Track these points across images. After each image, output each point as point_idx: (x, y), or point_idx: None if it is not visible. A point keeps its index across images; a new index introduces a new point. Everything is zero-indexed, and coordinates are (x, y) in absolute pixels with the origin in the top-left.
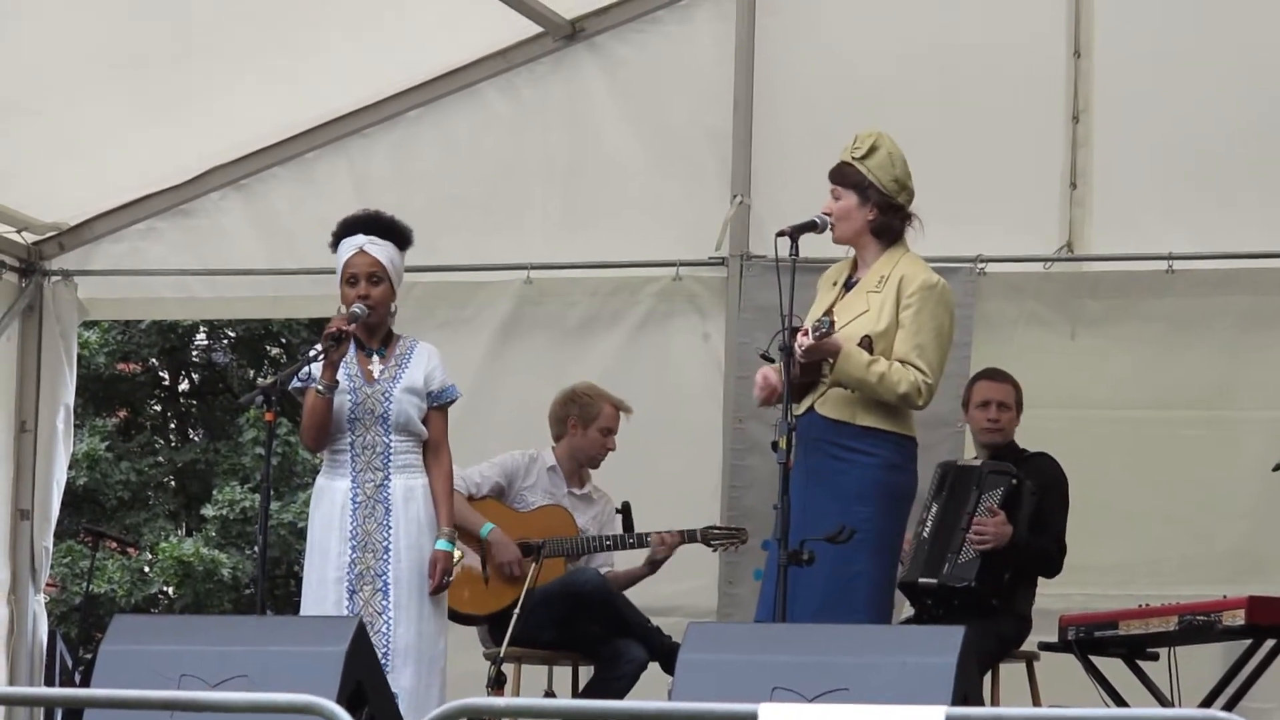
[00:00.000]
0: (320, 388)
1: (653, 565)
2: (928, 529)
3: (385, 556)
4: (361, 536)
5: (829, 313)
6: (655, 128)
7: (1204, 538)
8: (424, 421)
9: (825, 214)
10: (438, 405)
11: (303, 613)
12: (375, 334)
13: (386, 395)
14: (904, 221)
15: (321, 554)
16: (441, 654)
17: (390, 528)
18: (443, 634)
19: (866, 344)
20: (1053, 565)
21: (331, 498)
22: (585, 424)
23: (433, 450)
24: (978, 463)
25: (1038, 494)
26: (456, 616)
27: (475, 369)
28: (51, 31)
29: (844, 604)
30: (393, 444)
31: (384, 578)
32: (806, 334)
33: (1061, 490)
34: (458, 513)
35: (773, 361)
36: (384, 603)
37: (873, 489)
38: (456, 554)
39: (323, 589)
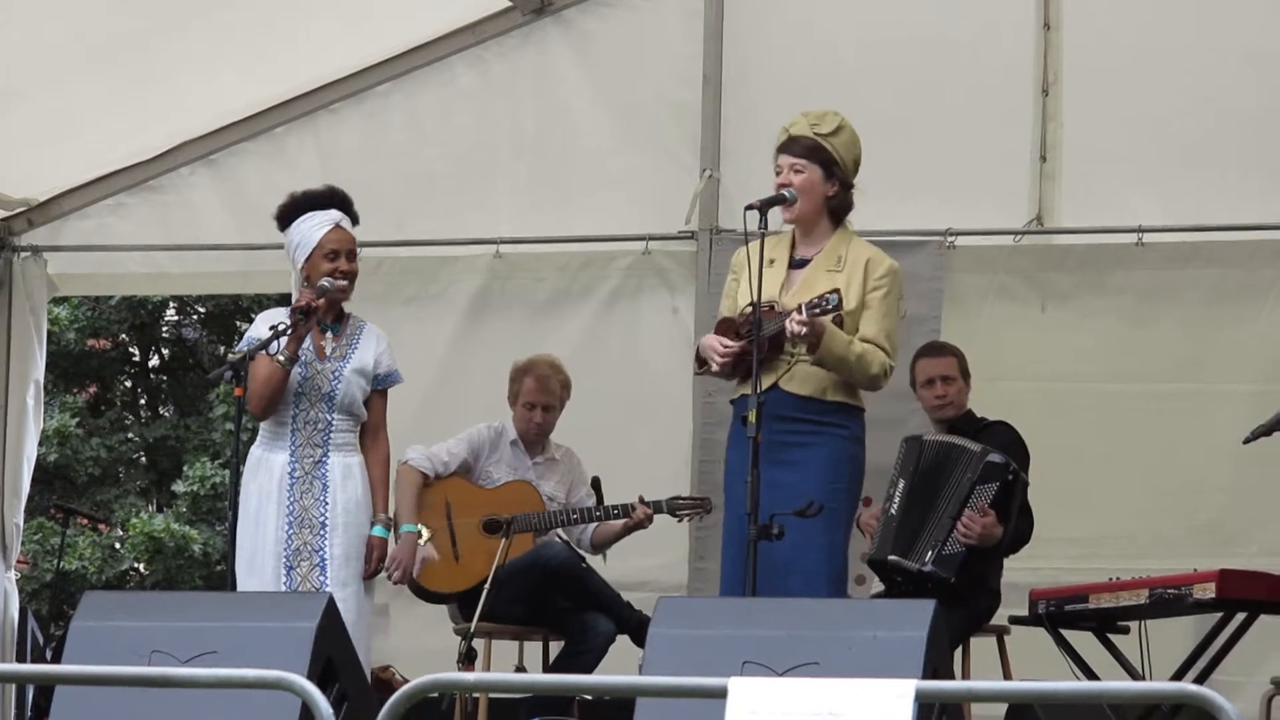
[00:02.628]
0: (282, 359)
1: (628, 530)
2: (895, 505)
3: (322, 533)
4: (299, 512)
5: (835, 290)
6: (624, 102)
7: (1174, 511)
8: (365, 404)
9: (781, 186)
10: (380, 389)
11: (239, 585)
12: (330, 309)
13: (336, 374)
14: (851, 200)
15: (256, 525)
16: (370, 631)
17: (327, 504)
18: (371, 611)
19: (839, 323)
20: (1024, 539)
21: (269, 470)
22: (513, 400)
23: (371, 433)
24: (971, 446)
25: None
26: (426, 594)
27: (445, 344)
28: (20, 11)
29: (804, 575)
30: (334, 422)
31: (321, 554)
32: (801, 310)
33: (1023, 459)
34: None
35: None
36: (321, 578)
37: (845, 463)
38: (426, 533)
39: (260, 561)
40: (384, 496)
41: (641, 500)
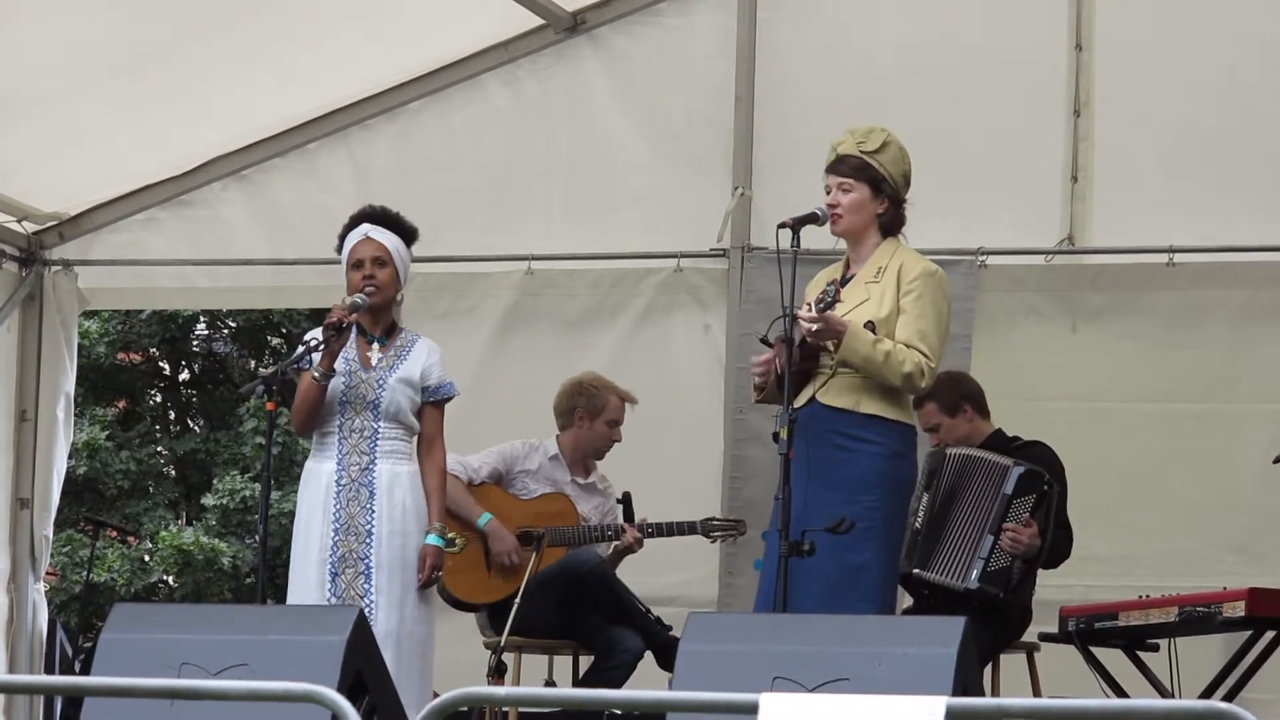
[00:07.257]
0: (317, 374)
1: (618, 555)
2: (920, 520)
3: (368, 541)
4: (345, 520)
5: (833, 283)
6: (656, 120)
7: (1204, 529)
8: (418, 415)
9: (830, 206)
10: (433, 401)
11: (289, 594)
12: (378, 321)
13: (380, 383)
14: (902, 216)
15: (305, 535)
16: (424, 640)
17: (374, 512)
18: (428, 621)
19: (870, 329)
20: (1064, 555)
21: (317, 480)
22: (593, 416)
23: (426, 445)
24: (995, 458)
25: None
26: (457, 603)
27: (476, 360)
28: (53, 23)
29: (851, 594)
30: (380, 430)
31: (366, 561)
32: (809, 308)
33: (1061, 478)
34: (456, 501)
35: (771, 346)
36: (365, 586)
37: (878, 478)
38: (459, 540)
39: (305, 570)
40: (439, 506)
41: (630, 522)
